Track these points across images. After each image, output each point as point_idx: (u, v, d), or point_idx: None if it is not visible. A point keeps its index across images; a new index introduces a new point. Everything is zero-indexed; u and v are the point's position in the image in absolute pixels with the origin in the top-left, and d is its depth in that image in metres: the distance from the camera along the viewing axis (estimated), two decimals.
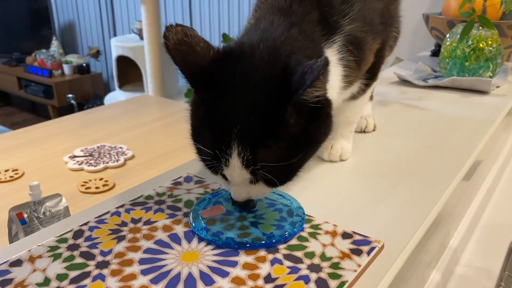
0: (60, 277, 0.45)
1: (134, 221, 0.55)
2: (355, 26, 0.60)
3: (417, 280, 0.73)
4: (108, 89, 4.30)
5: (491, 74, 1.15)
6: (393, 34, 0.76)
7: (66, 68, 4.06)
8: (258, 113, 0.48)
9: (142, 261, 0.47)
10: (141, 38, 3.33)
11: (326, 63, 0.45)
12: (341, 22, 0.59)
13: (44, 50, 4.16)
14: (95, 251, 0.49)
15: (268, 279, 0.45)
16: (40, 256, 0.48)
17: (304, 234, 0.53)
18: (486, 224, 0.96)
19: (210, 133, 0.49)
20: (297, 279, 0.45)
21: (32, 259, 0.48)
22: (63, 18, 4.58)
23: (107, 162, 1.65)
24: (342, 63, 0.60)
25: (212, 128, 0.49)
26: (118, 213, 0.56)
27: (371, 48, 0.66)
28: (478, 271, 0.84)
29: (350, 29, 0.59)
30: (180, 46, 0.49)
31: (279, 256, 0.49)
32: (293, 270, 0.46)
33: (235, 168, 0.49)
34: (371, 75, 0.71)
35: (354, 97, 0.72)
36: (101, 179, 1.55)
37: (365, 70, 0.68)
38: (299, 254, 0.49)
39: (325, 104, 0.51)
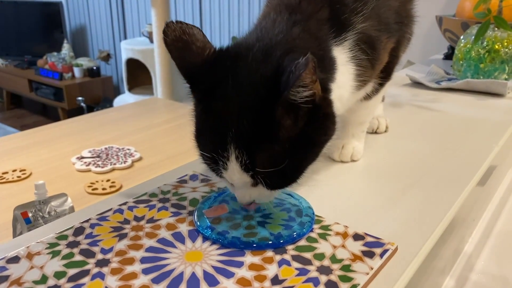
0: (58, 275, 0.43)
1: (137, 218, 0.53)
2: (368, 24, 0.58)
3: (430, 286, 0.70)
4: (118, 92, 4.30)
5: (506, 77, 1.12)
6: (407, 36, 0.74)
7: (77, 71, 4.08)
8: (251, 115, 0.45)
9: (143, 260, 0.45)
10: (151, 41, 3.34)
11: (308, 61, 0.41)
12: (353, 19, 0.57)
13: (55, 53, 4.18)
14: (96, 249, 0.47)
15: (276, 280, 0.43)
16: (38, 253, 0.46)
17: (313, 235, 0.50)
18: (501, 231, 0.93)
19: (208, 136, 0.48)
20: (306, 281, 0.43)
21: (30, 256, 0.46)
22: (74, 22, 4.61)
23: (115, 164, 1.64)
24: (354, 61, 0.57)
25: (209, 131, 0.48)
26: (120, 211, 0.54)
27: (385, 47, 0.63)
28: (494, 279, 0.81)
29: (362, 27, 0.57)
30: (177, 43, 0.48)
31: (287, 257, 0.46)
32: (302, 272, 0.44)
33: (235, 172, 0.47)
34: (385, 74, 0.68)
35: (367, 97, 0.69)
36: (108, 180, 1.53)
37: (379, 70, 0.66)
38: (308, 255, 0.47)
39: (322, 104, 0.49)
